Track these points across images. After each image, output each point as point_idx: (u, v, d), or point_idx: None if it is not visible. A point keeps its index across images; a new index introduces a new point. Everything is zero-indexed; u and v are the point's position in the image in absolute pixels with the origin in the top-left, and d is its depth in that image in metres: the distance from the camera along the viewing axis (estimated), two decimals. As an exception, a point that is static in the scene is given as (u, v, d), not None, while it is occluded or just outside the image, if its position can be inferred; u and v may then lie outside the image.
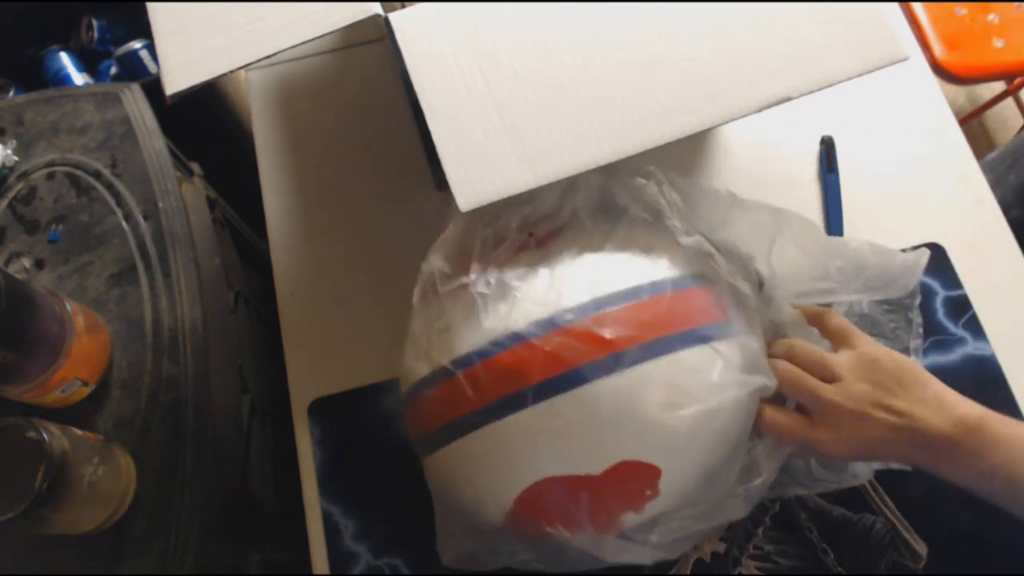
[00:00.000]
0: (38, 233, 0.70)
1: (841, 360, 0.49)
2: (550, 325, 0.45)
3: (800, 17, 0.48)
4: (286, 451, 0.67)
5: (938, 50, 1.30)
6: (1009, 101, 1.50)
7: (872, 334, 0.52)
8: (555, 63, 0.46)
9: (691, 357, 0.46)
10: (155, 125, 0.75)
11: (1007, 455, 0.45)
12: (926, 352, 0.64)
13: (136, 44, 1.12)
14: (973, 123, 1.69)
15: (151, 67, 1.12)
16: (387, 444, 0.64)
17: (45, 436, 0.51)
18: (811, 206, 0.72)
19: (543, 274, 0.48)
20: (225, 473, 0.67)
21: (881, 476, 0.57)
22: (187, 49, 0.48)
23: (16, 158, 0.73)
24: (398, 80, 0.74)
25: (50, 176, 0.72)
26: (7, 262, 0.69)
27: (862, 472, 0.54)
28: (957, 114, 0.75)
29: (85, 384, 0.61)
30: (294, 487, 0.64)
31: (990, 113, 1.64)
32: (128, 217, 0.70)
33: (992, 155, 0.95)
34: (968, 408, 0.46)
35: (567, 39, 0.47)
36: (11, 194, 0.71)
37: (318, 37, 0.47)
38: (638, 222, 0.52)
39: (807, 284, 0.53)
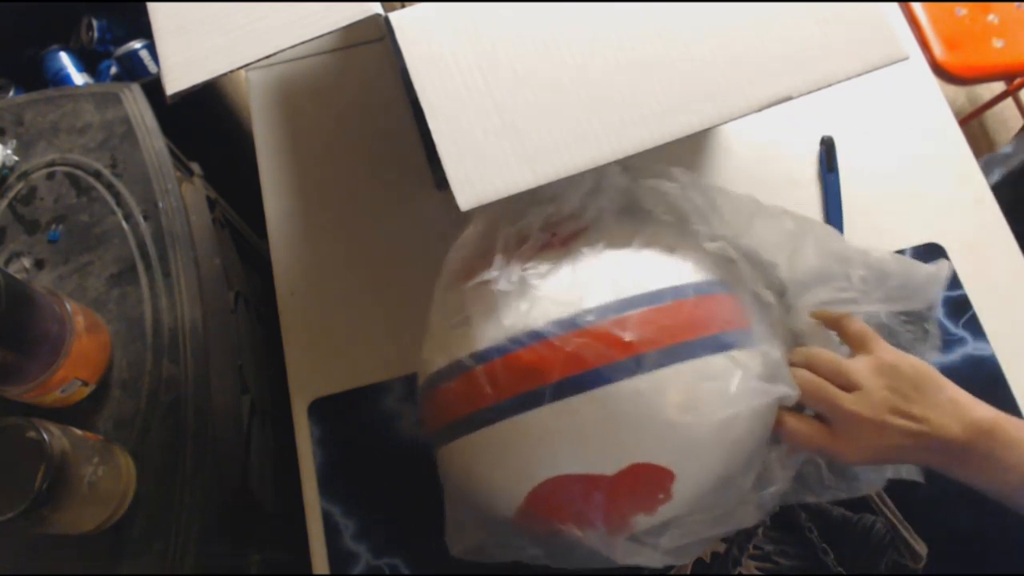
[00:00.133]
0: (38, 233, 0.70)
1: (860, 367, 0.49)
2: (571, 325, 0.45)
3: (800, 17, 0.48)
4: (286, 451, 0.67)
5: (938, 50, 1.30)
6: (1009, 101, 1.50)
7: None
8: (555, 63, 0.46)
9: (712, 364, 0.46)
10: (155, 125, 0.74)
11: (1020, 458, 0.45)
12: (926, 352, 0.64)
13: (136, 44, 1.12)
14: (973, 123, 1.69)
15: (151, 67, 1.12)
16: (387, 444, 0.64)
17: (45, 436, 0.51)
18: (811, 206, 0.72)
19: (565, 274, 0.48)
20: (225, 473, 0.67)
21: (881, 476, 0.57)
22: (187, 49, 0.48)
23: (16, 158, 0.73)
24: (398, 80, 0.74)
25: (50, 176, 0.72)
26: (7, 262, 0.69)
27: (874, 482, 0.54)
28: (957, 114, 0.75)
29: (85, 384, 0.61)
30: (294, 487, 0.64)
31: (990, 113, 1.64)
32: (128, 217, 0.70)
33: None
34: (982, 412, 0.47)
35: (567, 39, 0.47)
36: (11, 194, 0.71)
37: (318, 37, 0.47)
38: (662, 225, 0.52)
39: (829, 293, 0.53)
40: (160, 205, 0.70)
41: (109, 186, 0.71)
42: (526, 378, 0.46)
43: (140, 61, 1.12)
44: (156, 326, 0.65)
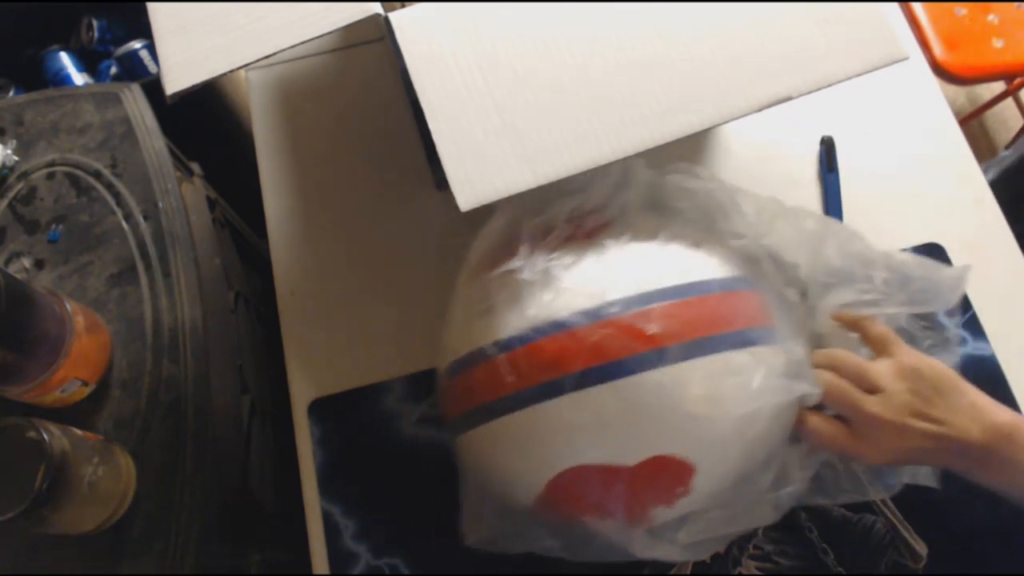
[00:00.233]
0: (38, 233, 0.70)
1: (882, 370, 0.49)
2: (595, 316, 0.46)
3: (800, 17, 0.48)
4: (286, 451, 0.67)
5: (938, 50, 1.30)
6: (1009, 101, 1.50)
7: None
8: (555, 63, 0.46)
9: (735, 359, 0.46)
10: (155, 125, 0.75)
11: None
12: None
13: (136, 44, 1.12)
14: (973, 123, 1.69)
15: (151, 67, 1.12)
16: (387, 444, 0.64)
17: (45, 436, 0.51)
18: (811, 206, 0.72)
19: (590, 265, 0.48)
20: (225, 473, 0.67)
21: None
22: (187, 49, 0.48)
23: (16, 158, 0.73)
24: (398, 80, 0.74)
25: (50, 176, 0.72)
26: (7, 262, 0.69)
27: (889, 487, 0.54)
28: (957, 114, 0.75)
29: (85, 384, 0.61)
30: (294, 487, 0.64)
31: (990, 113, 1.64)
32: (128, 217, 0.70)
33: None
34: (1003, 416, 0.47)
35: (567, 39, 0.47)
36: (11, 194, 0.71)
37: (318, 37, 0.47)
38: (688, 221, 0.52)
39: (851, 295, 0.53)
40: (160, 205, 0.70)
41: (109, 186, 0.71)
42: (549, 367, 0.46)
43: (140, 61, 1.12)
44: (156, 326, 0.65)
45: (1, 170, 0.72)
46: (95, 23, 1.15)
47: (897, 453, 0.48)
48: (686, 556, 0.49)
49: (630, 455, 0.46)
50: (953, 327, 0.57)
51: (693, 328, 0.46)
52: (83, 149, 0.73)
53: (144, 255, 0.68)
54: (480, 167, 0.44)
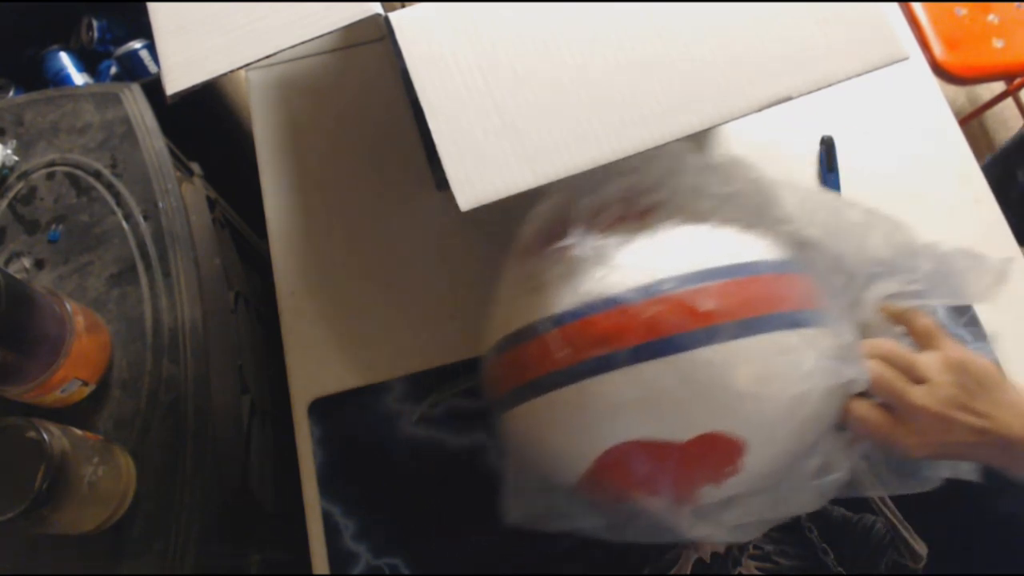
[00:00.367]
0: (38, 233, 0.70)
1: (929, 361, 0.49)
2: (648, 292, 0.46)
3: (800, 17, 0.48)
4: (286, 451, 0.67)
5: (938, 50, 1.30)
6: (1009, 101, 1.50)
7: None
8: (555, 63, 0.46)
9: (786, 339, 0.46)
10: (155, 125, 0.75)
11: None
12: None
13: (136, 44, 1.12)
14: (973, 123, 1.69)
15: (151, 67, 1.12)
16: (387, 444, 0.64)
17: (45, 436, 0.51)
18: (811, 206, 0.72)
19: (643, 243, 0.48)
20: (225, 473, 0.67)
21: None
22: (187, 49, 0.48)
23: (16, 158, 0.73)
24: (398, 80, 0.74)
25: (50, 176, 0.72)
26: (7, 262, 0.69)
27: (930, 480, 0.53)
28: (957, 114, 0.75)
29: (85, 384, 0.61)
30: (294, 487, 0.64)
31: (990, 113, 1.64)
32: (128, 217, 0.70)
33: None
34: None
35: (567, 39, 0.47)
36: (11, 194, 0.72)
37: (318, 37, 0.47)
38: (737, 207, 0.52)
39: (896, 286, 0.53)
40: (160, 205, 0.70)
41: (109, 186, 0.71)
42: (601, 342, 0.46)
43: (140, 61, 1.12)
44: (156, 326, 0.65)
45: (1, 170, 0.72)
46: (95, 23, 1.15)
47: (940, 446, 0.48)
48: (731, 538, 0.49)
49: (681, 431, 0.46)
50: (954, 327, 0.57)
51: (745, 307, 0.46)
52: (83, 149, 0.73)
53: (144, 255, 0.68)
54: (480, 167, 0.44)
